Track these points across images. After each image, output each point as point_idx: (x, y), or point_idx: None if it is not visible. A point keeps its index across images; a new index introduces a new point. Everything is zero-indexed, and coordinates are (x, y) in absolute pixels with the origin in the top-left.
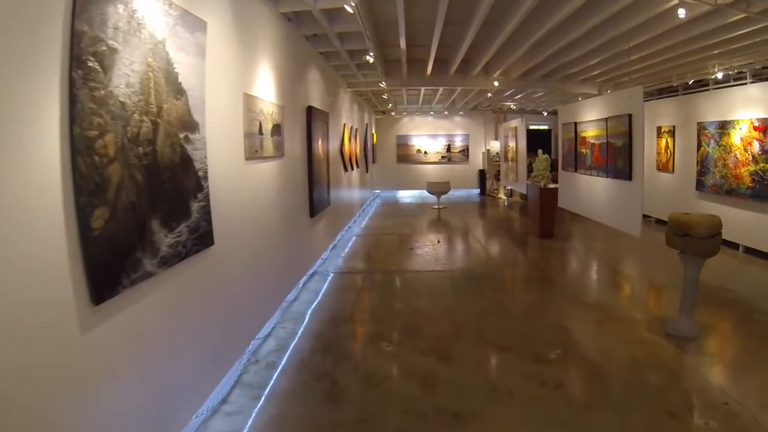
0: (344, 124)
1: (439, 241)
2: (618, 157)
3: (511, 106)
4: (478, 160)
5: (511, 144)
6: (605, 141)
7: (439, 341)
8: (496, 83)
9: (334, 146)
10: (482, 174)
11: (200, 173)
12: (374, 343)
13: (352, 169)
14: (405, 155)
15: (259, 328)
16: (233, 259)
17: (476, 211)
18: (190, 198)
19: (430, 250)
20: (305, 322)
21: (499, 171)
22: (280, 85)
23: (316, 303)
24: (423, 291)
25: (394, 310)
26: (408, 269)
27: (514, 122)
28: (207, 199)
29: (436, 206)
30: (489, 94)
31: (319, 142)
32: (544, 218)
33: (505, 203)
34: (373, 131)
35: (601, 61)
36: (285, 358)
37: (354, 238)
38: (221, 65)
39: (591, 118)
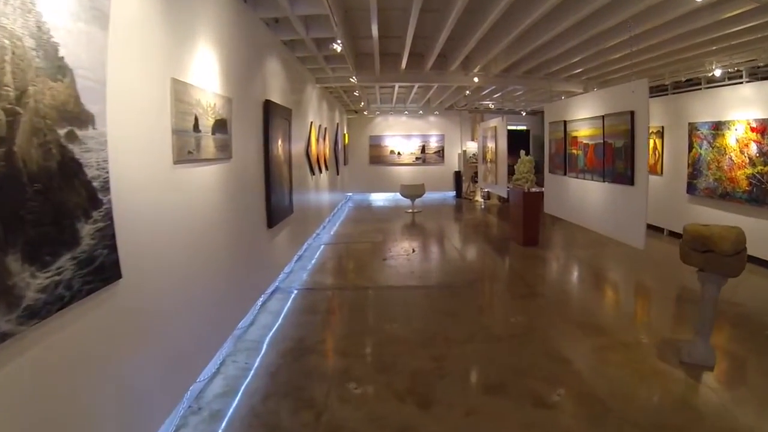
0: (311, 123)
1: (414, 251)
2: (617, 159)
3: (490, 105)
4: (453, 162)
5: (490, 144)
6: (601, 141)
7: (418, 380)
8: (475, 79)
9: (298, 147)
10: (458, 176)
11: (96, 183)
12: (341, 383)
13: (321, 171)
14: (378, 156)
15: (202, 367)
16: (156, 292)
17: (453, 215)
18: (78, 218)
19: (404, 260)
20: (261, 354)
21: (476, 173)
22: (228, 73)
23: (275, 328)
24: (398, 312)
25: (365, 338)
26: (381, 284)
27: (494, 121)
28: (108, 218)
29: (411, 210)
30: (467, 92)
31: (279, 142)
32: (528, 224)
33: (482, 206)
34: (345, 131)
35: (586, 58)
36: (233, 406)
37: (322, 247)
38: (138, 40)
39: (584, 116)
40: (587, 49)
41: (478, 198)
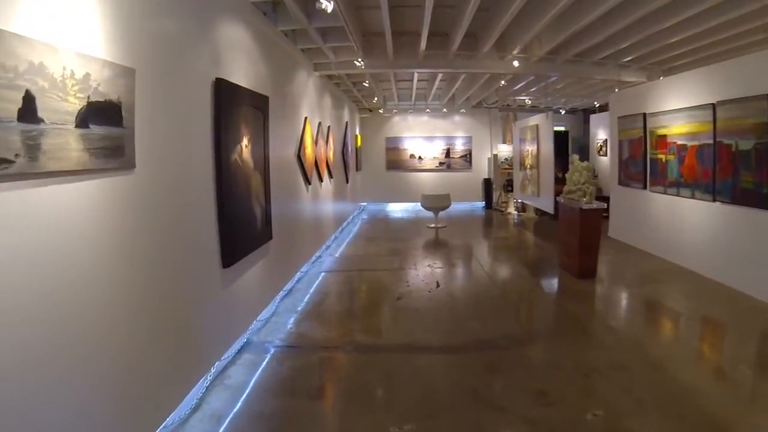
0: (305, 119)
1: (438, 285)
2: (741, 169)
3: (526, 101)
4: (482, 168)
5: (530, 147)
6: (710, 141)
7: None
8: (515, 63)
9: (284, 149)
10: (488, 184)
11: None
12: None
13: (322, 180)
14: (396, 161)
15: None
16: None
17: (483, 232)
18: None
19: (425, 300)
20: None
21: (509, 181)
22: (130, 28)
23: (227, 423)
24: (413, 399)
25: None
26: (392, 342)
27: (535, 119)
28: None
29: (433, 225)
30: (501, 82)
31: (245, 142)
32: (585, 251)
33: (516, 219)
34: (358, 132)
35: (653, 36)
36: None
37: (322, 275)
38: None
39: (678, 105)
40: (656, 22)
41: (511, 210)
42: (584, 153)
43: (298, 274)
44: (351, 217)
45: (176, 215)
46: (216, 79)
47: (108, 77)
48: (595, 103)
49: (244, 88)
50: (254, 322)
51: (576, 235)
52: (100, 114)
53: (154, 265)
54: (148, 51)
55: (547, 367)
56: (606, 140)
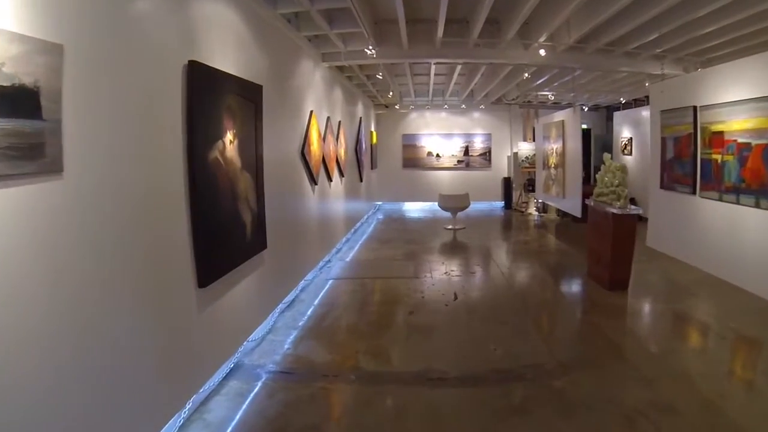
0: (311, 113)
1: (456, 297)
2: None
3: (549, 96)
4: (502, 166)
5: (554, 145)
6: None
7: None
8: (542, 52)
9: (284, 145)
10: (507, 183)
11: None
12: None
13: (331, 179)
14: (413, 159)
15: None
16: None
17: (503, 235)
18: None
19: (442, 314)
20: None
21: (530, 180)
22: None
23: None
24: None
25: None
26: (402, 370)
27: (560, 115)
28: None
29: (451, 226)
30: (525, 75)
31: (229, 137)
32: (618, 260)
33: (537, 221)
34: (373, 129)
35: (694, 22)
36: None
37: (330, 283)
38: None
39: (742, 96)
40: (693, 8)
41: (532, 210)
42: (607, 152)
43: (303, 282)
44: (365, 217)
45: (129, 229)
46: (189, 62)
47: (19, 55)
48: (621, 99)
49: (230, 74)
50: (246, 342)
51: (608, 243)
52: (5, 103)
53: (102, 293)
54: (85, 22)
55: (581, 407)
56: (631, 138)
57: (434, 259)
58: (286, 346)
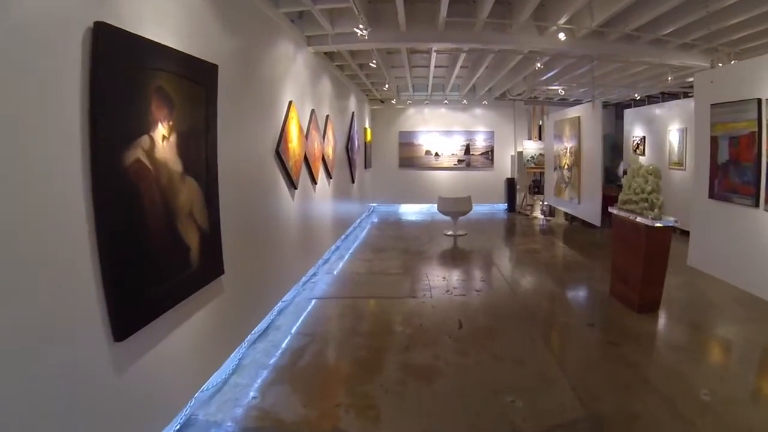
0: (290, 104)
1: (461, 326)
2: None
3: (559, 91)
4: (505, 166)
5: (567, 145)
6: None
7: None
8: (561, 36)
9: (251, 141)
10: (511, 184)
11: None
12: None
13: (315, 181)
14: (410, 158)
15: None
16: None
17: (509, 241)
18: None
19: (444, 351)
20: None
21: (535, 182)
22: None
23: None
24: None
25: None
26: None
27: (576, 110)
28: None
29: (451, 232)
30: (538, 65)
31: (163, 131)
32: (649, 279)
33: (543, 225)
34: (367, 126)
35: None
36: None
37: (312, 303)
38: None
39: None
40: None
41: (537, 214)
42: (617, 152)
43: (282, 303)
44: (358, 220)
45: None
46: (96, 24)
47: None
48: (636, 95)
49: (165, 47)
50: (202, 390)
51: (638, 259)
52: None
53: None
54: None
55: None
56: (644, 138)
57: (434, 273)
58: (252, 394)
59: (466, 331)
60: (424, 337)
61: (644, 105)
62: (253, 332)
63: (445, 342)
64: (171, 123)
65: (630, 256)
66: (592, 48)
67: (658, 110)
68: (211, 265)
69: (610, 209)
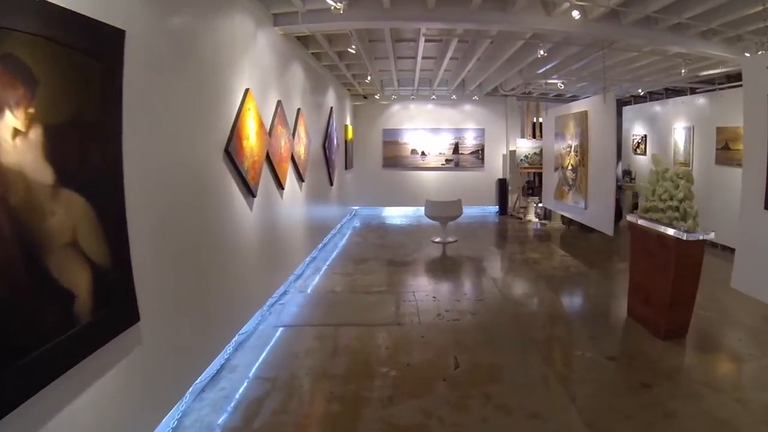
0: (246, 92)
1: (457, 365)
2: None
3: (559, 85)
4: (497, 166)
5: (572, 143)
6: None
7: None
8: (575, 14)
9: (188, 139)
10: (503, 185)
11: None
12: None
13: (282, 186)
14: (395, 158)
15: None
16: None
17: (505, 250)
18: None
19: (438, 400)
20: None
21: (529, 182)
22: None
23: None
24: None
25: None
26: None
27: (582, 104)
28: None
29: (439, 239)
30: (541, 52)
31: (12, 123)
32: (679, 301)
33: (537, 229)
34: (348, 123)
35: None
36: None
37: (278, 333)
38: None
39: None
40: None
41: (531, 217)
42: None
43: (240, 336)
44: (338, 226)
45: None
46: None
47: None
48: (639, 90)
49: None
50: None
51: (667, 277)
52: None
53: None
54: None
55: None
56: (644, 136)
57: (422, 289)
58: None
59: (463, 371)
60: (411, 382)
61: (645, 102)
62: (201, 378)
63: (438, 389)
64: (31, 111)
65: (655, 273)
66: (605, 31)
67: (661, 107)
68: (116, 314)
69: (628, 218)
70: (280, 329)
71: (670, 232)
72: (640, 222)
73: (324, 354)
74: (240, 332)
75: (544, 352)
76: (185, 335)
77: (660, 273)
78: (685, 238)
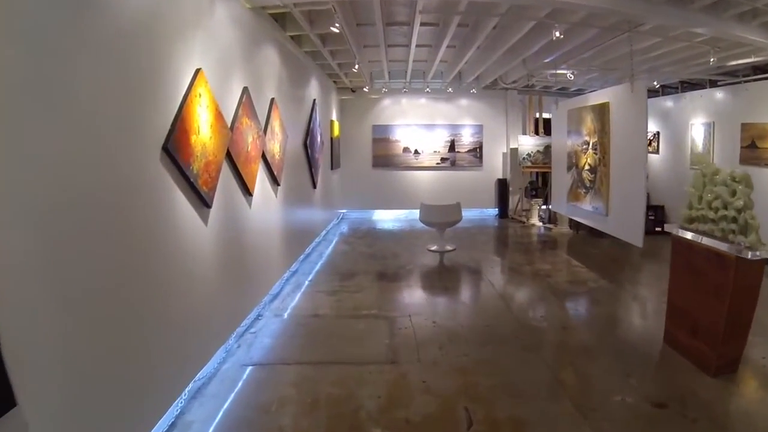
0: (197, 73)
1: (471, 423)
2: None
3: (568, 76)
4: (496, 165)
5: (590, 139)
6: None
7: None
8: None
9: (108, 134)
10: (503, 186)
11: None
12: None
13: (251, 192)
14: (385, 156)
15: None
16: None
17: (511, 260)
18: None
19: None
20: None
21: (532, 183)
22: None
23: None
24: None
25: None
26: None
27: (603, 95)
28: None
29: (436, 247)
30: (556, 33)
31: None
32: (734, 330)
33: (541, 233)
34: (334, 118)
35: None
36: None
37: (246, 375)
38: None
39: None
40: None
41: (535, 220)
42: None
43: (195, 383)
44: (324, 232)
45: None
46: None
47: None
48: (655, 83)
49: None
50: None
51: (721, 303)
52: None
53: None
54: None
55: None
56: (657, 133)
57: (420, 313)
58: None
59: (478, 431)
60: None
61: (657, 96)
62: None
63: None
64: None
65: (704, 296)
66: (634, 8)
67: (675, 102)
68: None
69: (666, 227)
70: (249, 368)
71: (727, 248)
72: (684, 235)
73: (301, 407)
74: (197, 378)
75: (577, 399)
76: (109, 402)
77: (712, 297)
78: (750, 257)
